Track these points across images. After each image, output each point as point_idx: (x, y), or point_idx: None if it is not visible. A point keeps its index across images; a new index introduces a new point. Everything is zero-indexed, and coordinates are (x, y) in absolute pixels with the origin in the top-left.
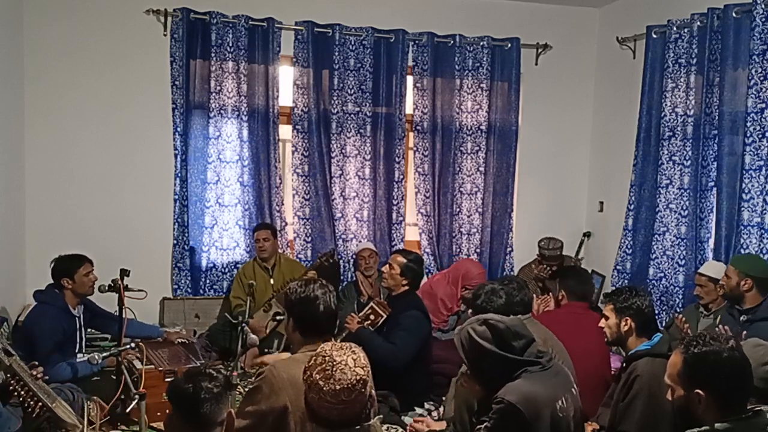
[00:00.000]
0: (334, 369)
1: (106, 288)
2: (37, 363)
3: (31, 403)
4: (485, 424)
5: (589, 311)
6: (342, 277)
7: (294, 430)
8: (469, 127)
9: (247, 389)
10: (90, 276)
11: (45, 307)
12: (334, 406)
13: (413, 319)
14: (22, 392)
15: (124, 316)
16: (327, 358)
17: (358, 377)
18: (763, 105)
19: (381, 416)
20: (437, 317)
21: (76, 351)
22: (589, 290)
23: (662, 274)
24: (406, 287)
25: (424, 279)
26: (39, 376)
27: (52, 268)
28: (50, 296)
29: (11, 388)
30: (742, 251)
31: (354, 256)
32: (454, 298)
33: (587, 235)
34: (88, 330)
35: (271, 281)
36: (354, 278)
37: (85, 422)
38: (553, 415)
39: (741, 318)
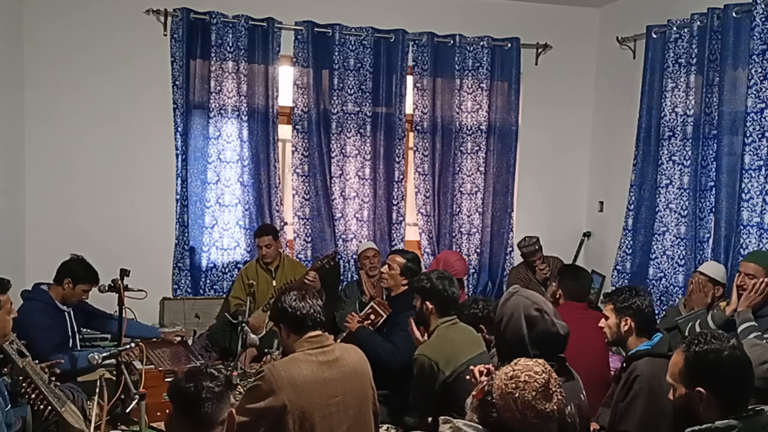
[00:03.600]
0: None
1: (106, 288)
2: (62, 362)
3: (41, 406)
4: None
5: (587, 311)
6: (342, 277)
7: (292, 429)
8: (469, 127)
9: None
10: (86, 294)
11: (30, 304)
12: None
13: None
14: (33, 395)
15: (124, 315)
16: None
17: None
18: (763, 105)
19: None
20: None
21: (70, 346)
22: (586, 291)
23: (662, 274)
24: (405, 287)
25: None
26: (55, 370)
27: (65, 263)
28: (37, 293)
29: (22, 390)
30: (742, 251)
31: (355, 256)
32: None
33: (587, 235)
34: (87, 330)
35: (273, 282)
36: (355, 278)
37: (93, 425)
38: (561, 419)
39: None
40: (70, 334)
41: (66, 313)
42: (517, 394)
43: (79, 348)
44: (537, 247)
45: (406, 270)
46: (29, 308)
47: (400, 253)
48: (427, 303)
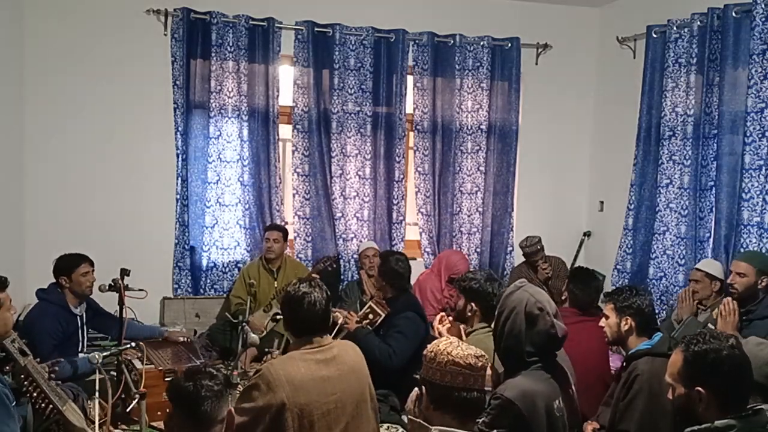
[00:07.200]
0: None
1: (107, 287)
2: (61, 360)
3: (42, 405)
4: (482, 419)
5: (579, 317)
6: (342, 277)
7: (291, 426)
8: (469, 127)
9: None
10: (87, 276)
11: (45, 305)
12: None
13: (408, 321)
14: (34, 393)
15: (124, 315)
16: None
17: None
18: (763, 105)
19: None
20: (428, 311)
21: (78, 350)
22: (592, 300)
23: (662, 274)
24: (394, 290)
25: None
26: (55, 369)
27: (53, 266)
28: (51, 294)
29: (24, 389)
30: (742, 251)
31: (356, 256)
32: (441, 290)
33: (587, 234)
34: (90, 330)
35: (275, 284)
36: (356, 278)
37: (97, 423)
38: (550, 413)
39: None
40: (79, 338)
41: (78, 317)
42: (444, 359)
43: (85, 351)
44: (539, 247)
45: (384, 275)
46: (41, 309)
47: (381, 258)
48: (473, 304)
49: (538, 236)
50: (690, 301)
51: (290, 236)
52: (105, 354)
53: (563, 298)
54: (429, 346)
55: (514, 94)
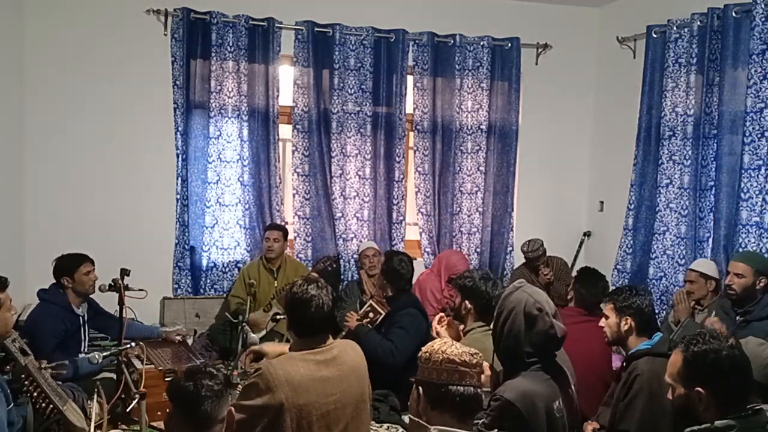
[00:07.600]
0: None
1: (107, 287)
2: (66, 362)
3: (43, 405)
4: (482, 420)
5: (584, 317)
6: (342, 277)
7: (290, 426)
8: (469, 127)
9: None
10: (90, 275)
11: (47, 306)
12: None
13: (410, 317)
14: (35, 393)
15: (124, 315)
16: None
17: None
18: (763, 105)
19: None
20: (428, 311)
21: (79, 351)
22: (598, 300)
23: (662, 274)
24: (394, 290)
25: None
26: (62, 372)
27: (53, 267)
28: (53, 295)
29: (24, 388)
30: (740, 250)
31: (356, 256)
32: (441, 290)
33: (587, 234)
34: (91, 330)
35: (275, 283)
36: (356, 277)
37: (93, 424)
38: (550, 414)
39: (737, 318)
40: (81, 337)
41: (80, 317)
42: (440, 358)
43: (86, 351)
44: (541, 252)
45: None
46: (44, 309)
47: (384, 260)
48: (467, 302)
49: (540, 240)
50: (686, 303)
51: (290, 236)
52: (105, 354)
53: (569, 298)
54: (423, 348)
55: (514, 94)
